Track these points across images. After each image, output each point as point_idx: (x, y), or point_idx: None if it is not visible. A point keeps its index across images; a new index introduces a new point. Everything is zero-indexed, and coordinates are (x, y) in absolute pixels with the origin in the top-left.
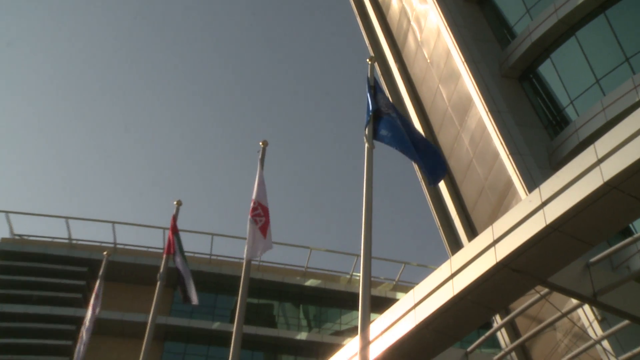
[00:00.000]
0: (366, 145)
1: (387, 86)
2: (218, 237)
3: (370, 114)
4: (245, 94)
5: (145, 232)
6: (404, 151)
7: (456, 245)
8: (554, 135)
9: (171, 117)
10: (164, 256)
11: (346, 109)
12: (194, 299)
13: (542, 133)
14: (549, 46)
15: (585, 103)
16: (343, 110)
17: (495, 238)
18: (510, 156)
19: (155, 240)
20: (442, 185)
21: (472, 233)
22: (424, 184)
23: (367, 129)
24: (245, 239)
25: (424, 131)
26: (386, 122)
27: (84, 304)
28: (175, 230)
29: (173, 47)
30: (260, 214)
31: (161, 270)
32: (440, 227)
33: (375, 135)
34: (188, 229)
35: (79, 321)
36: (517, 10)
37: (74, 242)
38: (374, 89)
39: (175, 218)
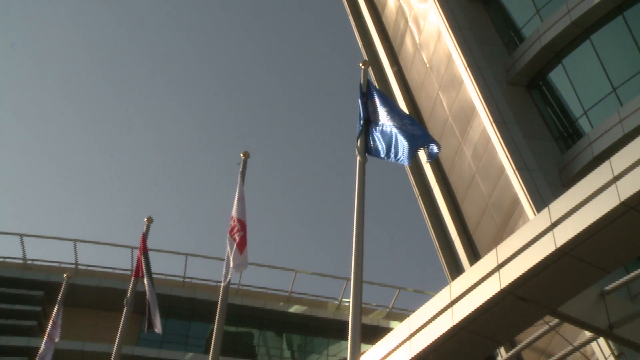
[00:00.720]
0: (358, 158)
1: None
2: (193, 257)
3: (362, 123)
4: (225, 101)
5: (111, 252)
6: (397, 158)
7: (456, 270)
8: (565, 149)
9: (143, 125)
10: (132, 279)
11: (337, 118)
12: (158, 326)
13: (553, 146)
14: (561, 51)
15: (600, 114)
16: (333, 120)
17: (500, 262)
18: (517, 172)
19: (122, 261)
20: (441, 203)
21: (474, 256)
22: (421, 201)
23: (358, 141)
24: (222, 259)
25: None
26: (378, 131)
27: (39, 332)
28: (144, 249)
29: (149, 52)
30: (239, 229)
31: (128, 294)
32: (439, 250)
33: (368, 148)
34: (159, 248)
35: (33, 352)
36: (526, 11)
37: (29, 262)
38: (367, 96)
39: (145, 236)
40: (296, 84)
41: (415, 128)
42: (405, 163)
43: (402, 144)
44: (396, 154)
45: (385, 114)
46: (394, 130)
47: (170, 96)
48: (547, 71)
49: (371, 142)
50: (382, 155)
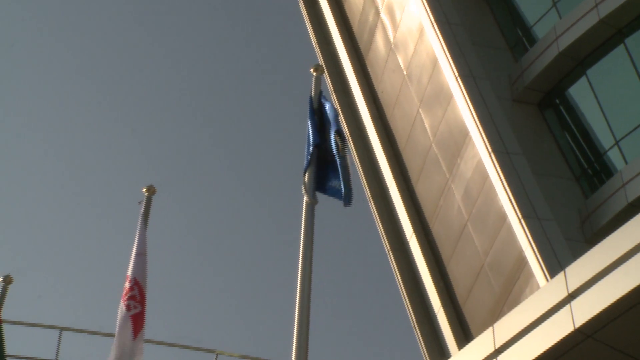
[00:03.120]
0: (304, 198)
1: (341, 111)
2: (69, 332)
3: (311, 150)
4: (119, 115)
5: None
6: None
7: (440, 355)
8: (589, 191)
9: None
10: None
11: (280, 139)
12: None
13: (572, 188)
14: (585, 58)
15: (637, 145)
16: (275, 142)
17: (498, 346)
18: (523, 221)
19: None
20: (420, 262)
21: (463, 336)
22: (392, 258)
23: (306, 175)
24: (110, 335)
25: (394, 179)
26: (336, 163)
27: None
28: None
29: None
30: (136, 298)
31: None
32: (416, 326)
33: (319, 184)
34: (24, 319)
35: None
36: (539, 4)
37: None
38: (320, 112)
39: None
40: (221, 96)
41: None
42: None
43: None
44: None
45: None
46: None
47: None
48: (566, 85)
49: (324, 176)
50: (342, 196)
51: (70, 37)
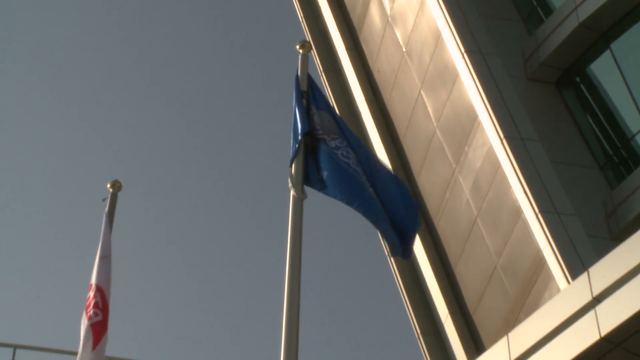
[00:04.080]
0: (291, 192)
1: (332, 94)
2: (24, 350)
3: (300, 139)
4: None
5: None
6: (354, 204)
7: None
8: (615, 181)
9: None
10: None
11: (264, 126)
12: None
13: (596, 178)
14: (610, 30)
15: None
16: (258, 129)
17: (514, 358)
18: (540, 215)
19: None
20: (424, 264)
21: (474, 347)
22: (393, 262)
23: (292, 167)
24: (70, 353)
25: (394, 170)
26: (325, 153)
27: None
28: None
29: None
30: (98, 305)
31: None
32: (421, 337)
33: (308, 178)
34: None
35: None
36: None
37: None
38: (308, 95)
39: None
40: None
41: (392, 186)
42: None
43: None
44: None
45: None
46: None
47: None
48: (588, 61)
49: (315, 167)
50: (332, 191)
51: (34, 33)
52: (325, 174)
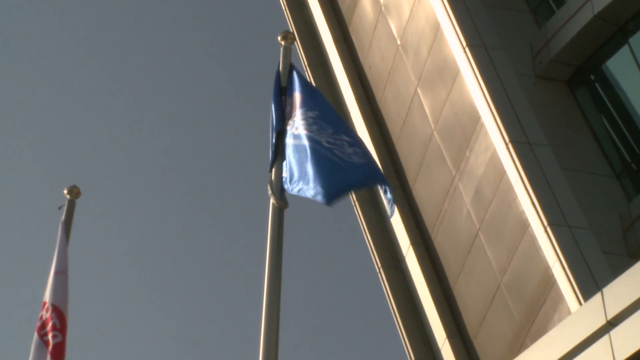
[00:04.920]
0: (271, 201)
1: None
2: None
3: (274, 141)
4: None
5: None
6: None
7: None
8: (633, 192)
9: None
10: None
11: (242, 126)
12: None
13: (612, 187)
14: (628, 22)
15: None
16: (235, 129)
17: None
18: (549, 229)
19: None
20: (420, 283)
21: None
22: (384, 278)
23: (272, 171)
24: None
25: (387, 177)
26: (298, 149)
27: None
28: None
29: None
30: (56, 326)
31: None
32: None
33: (291, 181)
34: None
35: None
36: None
37: None
38: (290, 91)
39: None
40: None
41: (356, 152)
42: (323, 201)
43: (325, 171)
44: (309, 184)
45: (304, 117)
46: (314, 148)
47: None
48: (604, 57)
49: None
50: (290, 186)
51: None
52: (296, 173)
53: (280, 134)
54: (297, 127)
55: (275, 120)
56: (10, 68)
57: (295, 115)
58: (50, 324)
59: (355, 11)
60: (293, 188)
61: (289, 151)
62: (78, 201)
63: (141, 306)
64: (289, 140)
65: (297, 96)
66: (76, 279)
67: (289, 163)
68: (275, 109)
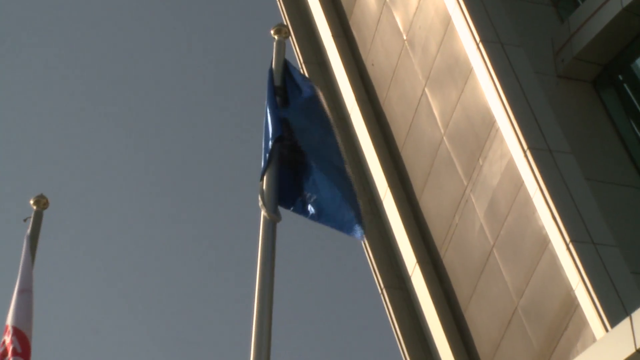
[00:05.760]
0: (262, 213)
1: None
2: None
3: (270, 147)
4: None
5: None
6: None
7: None
8: None
9: None
10: None
11: (230, 129)
12: None
13: None
14: None
15: None
16: (222, 133)
17: None
18: (572, 246)
19: None
20: (427, 306)
21: None
22: (387, 299)
23: (264, 180)
24: None
25: (390, 187)
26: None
27: None
28: None
29: None
30: (17, 351)
31: None
32: None
33: (283, 196)
34: None
35: None
36: None
37: None
38: (284, 92)
39: None
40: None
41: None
42: (354, 234)
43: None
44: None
45: (306, 127)
46: (325, 168)
47: None
48: (633, 55)
49: (294, 184)
50: (302, 208)
51: None
52: (309, 194)
53: (278, 140)
54: (299, 138)
55: (272, 125)
56: None
57: (296, 122)
58: (10, 350)
59: (357, 2)
60: (300, 209)
61: (293, 164)
62: (46, 212)
63: (114, 327)
64: (291, 153)
65: (298, 98)
66: (42, 298)
67: (290, 177)
68: (270, 112)
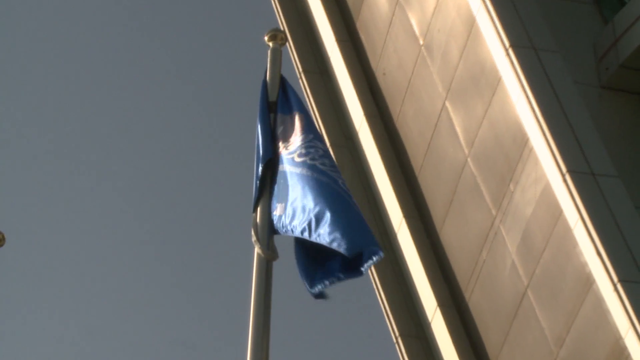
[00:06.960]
0: (255, 249)
1: (316, 105)
2: None
3: (260, 169)
4: None
5: None
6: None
7: None
8: None
9: None
10: None
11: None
12: None
13: None
14: None
15: None
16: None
17: None
18: (620, 285)
19: None
20: (450, 357)
21: None
22: (402, 349)
23: (257, 212)
24: None
25: (405, 218)
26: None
27: None
28: None
29: None
30: None
31: None
32: None
33: (276, 222)
34: None
35: None
36: None
37: None
38: (277, 106)
39: None
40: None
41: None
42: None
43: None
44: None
45: (310, 144)
46: (329, 185)
47: None
48: None
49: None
50: (297, 231)
51: None
52: (290, 211)
53: (269, 163)
54: (301, 153)
55: (262, 147)
56: None
57: (296, 140)
58: None
59: (365, 1)
60: (297, 230)
61: (291, 181)
62: (1, 250)
63: None
64: (289, 168)
65: (298, 117)
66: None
67: (288, 194)
68: (262, 132)
